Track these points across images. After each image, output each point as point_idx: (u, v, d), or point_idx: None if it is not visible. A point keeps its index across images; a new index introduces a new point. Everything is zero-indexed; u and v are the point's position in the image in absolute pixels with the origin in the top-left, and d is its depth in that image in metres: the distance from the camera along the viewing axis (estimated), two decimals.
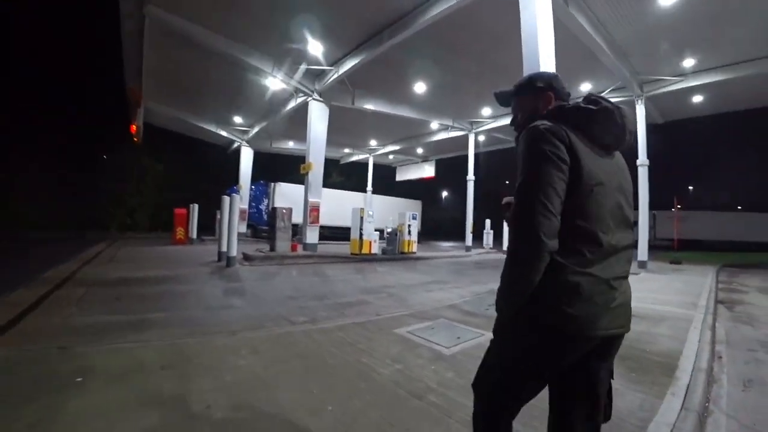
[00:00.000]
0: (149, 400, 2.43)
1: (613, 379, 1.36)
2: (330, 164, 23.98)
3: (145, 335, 3.77)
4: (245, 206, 22.10)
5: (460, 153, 23.99)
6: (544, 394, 1.36)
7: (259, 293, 6.45)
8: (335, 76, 12.64)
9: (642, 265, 12.51)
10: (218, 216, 11.46)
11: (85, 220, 26.22)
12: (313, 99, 13.64)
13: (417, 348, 3.70)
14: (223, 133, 21.49)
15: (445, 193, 52.88)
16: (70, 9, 29.66)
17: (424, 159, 27.85)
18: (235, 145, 23.30)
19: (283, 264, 10.59)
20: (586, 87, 13.88)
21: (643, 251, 12.72)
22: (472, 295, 6.92)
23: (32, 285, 5.66)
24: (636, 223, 14.02)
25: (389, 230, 15.28)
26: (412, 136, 22.88)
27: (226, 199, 9.71)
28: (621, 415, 2.48)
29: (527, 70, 6.58)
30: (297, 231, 14.58)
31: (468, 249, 19.21)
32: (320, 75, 13.42)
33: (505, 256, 1.24)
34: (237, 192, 20.17)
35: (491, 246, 21.60)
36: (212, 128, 20.76)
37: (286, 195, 20.93)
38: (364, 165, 28.67)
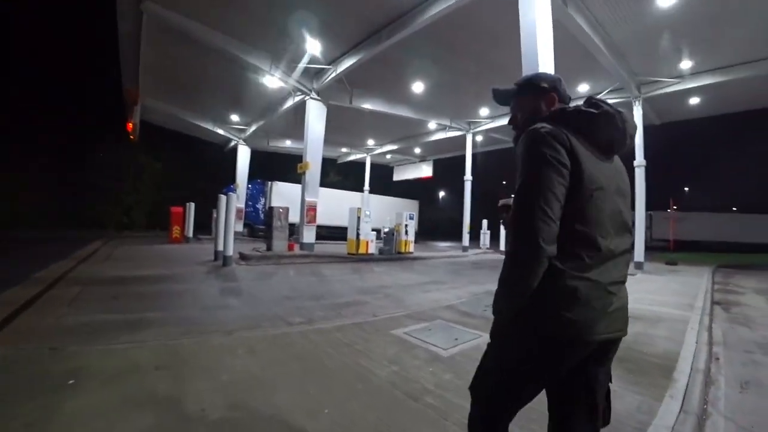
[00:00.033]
0: (143, 402, 2.40)
1: (611, 382, 1.36)
2: (327, 163, 23.93)
3: (140, 335, 3.73)
4: (242, 205, 22.01)
5: (457, 153, 24.01)
6: (542, 396, 1.35)
7: (255, 293, 6.42)
8: (333, 75, 12.60)
9: (638, 266, 12.54)
10: (215, 215, 11.41)
11: (82, 218, 26.06)
12: (311, 98, 13.59)
13: (414, 349, 3.67)
14: (220, 132, 21.37)
15: (442, 193, 52.84)
16: (66, 5, 29.41)
17: (422, 159, 27.83)
18: (232, 143, 23.20)
19: (279, 263, 10.55)
20: (583, 88, 13.89)
21: (639, 252, 12.75)
22: (470, 296, 6.91)
23: (27, 283, 5.59)
24: (633, 223, 13.94)
25: (386, 230, 15.25)
26: (410, 135, 22.85)
27: (223, 198, 9.67)
28: (620, 418, 2.47)
29: (526, 70, 6.57)
30: (294, 230, 14.52)
31: (465, 249, 19.21)
32: (318, 74, 13.38)
33: (501, 256, 1.24)
34: (234, 191, 20.15)
35: (488, 246, 21.61)
36: (209, 126, 20.65)
37: (283, 194, 20.85)
38: (361, 164, 28.59)
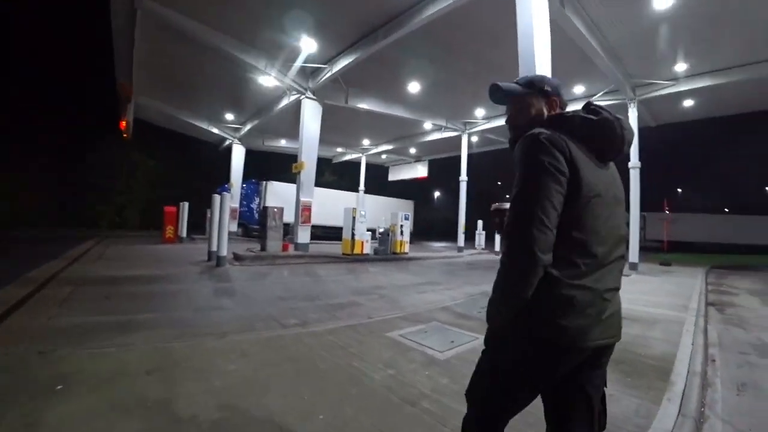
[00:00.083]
0: (133, 408, 2.34)
1: (606, 387, 1.35)
2: (322, 163, 23.81)
3: (131, 337, 3.66)
4: (236, 205, 21.89)
5: (453, 153, 24.02)
6: (539, 401, 1.35)
7: (249, 294, 6.35)
8: (329, 74, 12.54)
9: (633, 266, 12.59)
10: (209, 214, 11.31)
11: (80, 218, 25.84)
12: (307, 97, 13.52)
13: (410, 352, 3.63)
14: (215, 131, 21.24)
15: (437, 194, 52.94)
16: (64, 3, 29.09)
17: (417, 159, 27.83)
18: (227, 142, 23.09)
19: (274, 264, 10.47)
20: (579, 89, 13.94)
21: (634, 253, 12.81)
22: (465, 297, 6.87)
23: (18, 283, 5.50)
24: (627, 224, 14.00)
25: (381, 230, 15.22)
26: (406, 136, 22.83)
27: (217, 197, 9.57)
28: (618, 422, 2.46)
29: (523, 72, 6.56)
30: (288, 230, 14.44)
31: (460, 250, 19.22)
32: (314, 73, 13.31)
33: (497, 257, 1.22)
34: (228, 190, 20.02)
35: (483, 247, 21.64)
36: (204, 125, 20.52)
37: (278, 194, 20.75)
38: (356, 164, 28.55)
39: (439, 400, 2.62)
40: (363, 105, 15.42)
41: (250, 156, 23.66)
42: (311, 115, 13.64)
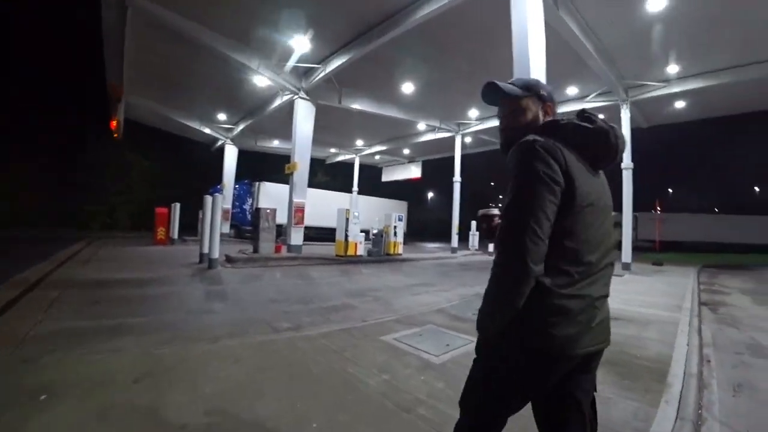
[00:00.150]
0: (120, 419, 2.26)
1: (596, 391, 1.37)
2: (315, 164, 23.76)
3: (119, 343, 3.57)
4: (228, 206, 21.71)
5: (446, 154, 24.03)
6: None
7: (241, 297, 6.27)
8: (322, 74, 12.45)
9: (625, 266, 12.66)
10: (201, 216, 11.19)
11: (64, 218, 25.52)
12: (300, 97, 13.41)
13: (405, 356, 3.58)
14: (207, 131, 21.02)
15: (431, 194, 52.99)
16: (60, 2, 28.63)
17: (411, 160, 27.81)
18: (219, 142, 22.88)
19: (266, 266, 10.37)
20: (572, 90, 14.00)
21: (626, 253, 12.87)
22: (460, 299, 6.84)
23: (4, 287, 5.40)
24: (616, 224, 14.14)
25: (375, 231, 15.15)
26: (399, 136, 22.80)
27: (209, 198, 9.47)
28: (616, 427, 2.45)
29: (518, 73, 6.55)
30: (281, 232, 14.34)
31: (454, 250, 19.21)
32: (307, 73, 13.21)
33: (490, 258, 1.19)
34: (220, 191, 19.84)
35: (477, 248, 21.66)
36: (196, 125, 20.30)
37: (271, 195, 20.62)
38: (350, 165, 28.47)
39: (435, 406, 2.57)
40: (356, 105, 15.34)
41: (243, 156, 23.45)
42: (304, 116, 13.54)
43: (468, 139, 21.27)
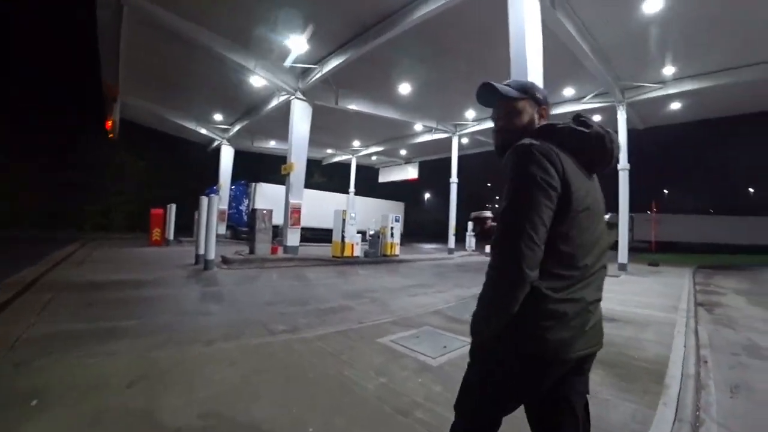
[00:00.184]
0: (113, 424, 2.23)
1: (588, 393, 1.36)
2: (312, 165, 23.63)
3: (113, 346, 3.52)
4: (225, 207, 21.62)
5: (443, 155, 24.01)
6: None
7: (237, 298, 6.22)
8: (319, 75, 12.41)
9: (622, 267, 12.69)
10: (197, 217, 11.13)
11: (58, 219, 25.33)
12: (296, 98, 13.37)
13: (402, 359, 3.55)
14: (203, 131, 20.93)
15: (427, 195, 53.03)
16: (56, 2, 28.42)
17: (408, 161, 27.82)
18: (216, 143, 22.78)
19: (263, 267, 10.32)
20: (569, 92, 14.04)
21: (623, 254, 12.92)
22: (457, 300, 6.83)
23: None
24: (613, 225, 14.26)
25: (372, 232, 15.12)
26: (396, 137, 22.80)
27: (204, 199, 9.42)
28: (614, 429, 2.44)
29: (515, 74, 6.56)
30: (277, 233, 14.28)
31: (451, 251, 19.23)
32: (304, 73, 13.17)
33: (487, 258, 1.19)
34: (216, 192, 19.75)
35: (474, 248, 21.69)
36: (192, 125, 20.20)
37: (267, 195, 20.57)
38: (346, 166, 28.44)
39: (432, 410, 2.55)
40: (353, 106, 15.31)
41: (239, 157, 23.39)
42: (301, 116, 13.50)
43: (465, 140, 21.30)
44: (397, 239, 15.10)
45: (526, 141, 1.19)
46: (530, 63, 6.53)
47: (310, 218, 17.96)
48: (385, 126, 19.51)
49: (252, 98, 16.07)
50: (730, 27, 9.23)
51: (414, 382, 3.02)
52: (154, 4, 9.38)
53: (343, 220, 13.10)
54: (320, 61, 12.24)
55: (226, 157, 22.41)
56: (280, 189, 15.84)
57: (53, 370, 2.90)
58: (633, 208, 14.02)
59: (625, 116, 13.26)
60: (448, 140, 20.18)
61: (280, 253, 12.26)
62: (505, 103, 1.38)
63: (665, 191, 49.15)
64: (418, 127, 19.93)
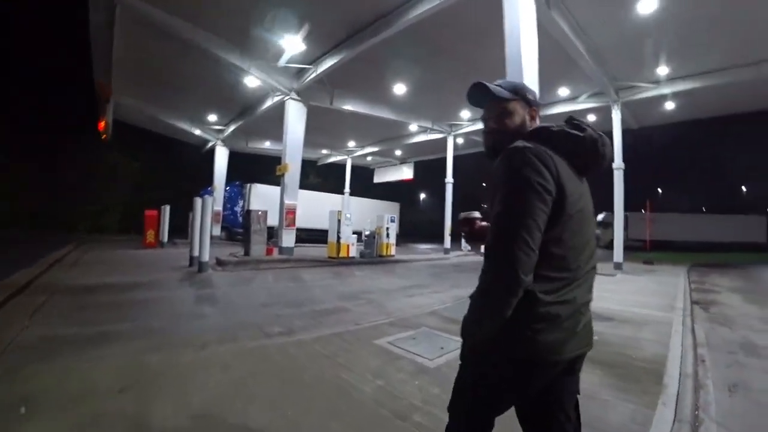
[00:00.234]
0: (102, 431, 2.16)
1: (579, 393, 1.36)
2: (307, 165, 23.60)
3: (105, 351, 3.46)
4: (219, 208, 21.49)
5: (438, 155, 24.01)
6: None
7: (232, 301, 6.16)
8: (314, 75, 12.35)
9: (617, 266, 12.73)
10: (191, 218, 11.03)
11: (51, 220, 25.06)
12: (291, 98, 13.30)
13: (399, 360, 3.52)
14: (198, 132, 20.79)
15: (423, 196, 53.06)
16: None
17: (403, 161, 27.78)
18: (210, 144, 22.65)
19: (258, 269, 10.25)
20: (564, 92, 14.07)
21: (618, 253, 12.96)
22: (453, 300, 6.80)
23: None
24: (608, 224, 14.25)
25: (367, 233, 15.08)
26: (391, 137, 22.76)
27: (198, 200, 9.33)
28: (614, 431, 2.41)
29: (510, 73, 6.54)
30: (273, 234, 14.21)
31: (446, 251, 19.22)
32: (298, 73, 13.11)
33: (482, 258, 1.17)
34: (211, 193, 19.62)
35: (469, 248, 21.68)
36: (186, 126, 20.07)
37: (262, 196, 20.45)
38: (341, 166, 28.38)
39: (430, 413, 2.51)
40: (348, 106, 15.26)
41: (234, 158, 23.25)
42: (295, 117, 13.44)
43: (460, 140, 21.30)
44: (392, 240, 15.07)
45: (520, 144, 1.17)
46: (525, 63, 6.51)
47: (305, 219, 17.92)
48: (381, 126, 19.46)
49: (246, 99, 15.98)
50: (725, 27, 9.30)
51: (411, 384, 2.99)
52: (147, 3, 9.27)
53: (339, 221, 13.05)
54: (315, 61, 12.18)
55: (221, 158, 22.28)
56: (275, 190, 15.75)
57: (43, 376, 2.84)
58: (627, 207, 14.07)
59: (619, 116, 13.31)
60: (444, 140, 20.18)
61: (275, 254, 12.18)
62: (497, 103, 1.36)
63: (659, 190, 49.49)
64: (414, 127, 19.90)
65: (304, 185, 15.72)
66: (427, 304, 6.47)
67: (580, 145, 1.23)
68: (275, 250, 12.43)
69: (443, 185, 20.21)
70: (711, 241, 29.82)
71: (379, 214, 15.72)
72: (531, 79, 6.57)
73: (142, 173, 28.94)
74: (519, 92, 1.37)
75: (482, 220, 1.62)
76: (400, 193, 35.61)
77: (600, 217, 33.30)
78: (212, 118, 19.62)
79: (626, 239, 15.54)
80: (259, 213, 11.85)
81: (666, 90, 12.44)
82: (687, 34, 9.69)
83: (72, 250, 12.48)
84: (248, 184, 21.60)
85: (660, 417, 2.60)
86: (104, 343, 3.65)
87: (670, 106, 14.41)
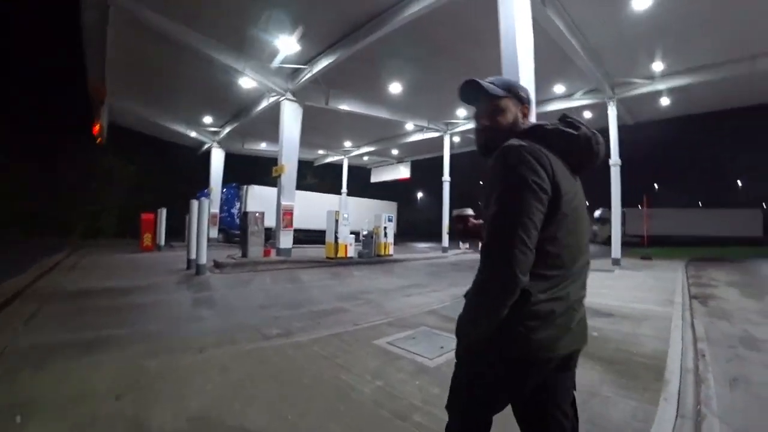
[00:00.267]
0: None
1: (575, 389, 1.36)
2: (303, 166, 23.48)
3: (102, 356, 3.41)
4: (216, 210, 21.42)
5: (435, 154, 23.98)
6: None
7: (229, 303, 6.13)
8: (309, 75, 12.31)
9: (615, 262, 12.75)
10: (188, 221, 10.98)
11: (47, 224, 24.89)
12: (286, 99, 13.25)
13: (398, 360, 3.49)
14: (193, 134, 20.72)
15: (420, 195, 53.05)
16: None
17: (400, 160, 27.77)
18: (206, 146, 22.57)
19: (256, 270, 10.20)
20: (559, 89, 14.08)
21: (616, 249, 12.98)
22: (452, 299, 6.77)
23: None
24: (605, 221, 14.24)
25: (365, 233, 15.05)
26: (388, 137, 22.73)
27: (195, 203, 9.28)
28: (616, 428, 2.40)
29: (506, 71, 6.52)
30: (270, 235, 14.16)
31: (445, 250, 19.21)
32: (293, 74, 13.06)
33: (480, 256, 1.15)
34: (207, 195, 19.54)
35: (468, 246, 21.69)
36: (182, 129, 19.99)
37: (259, 198, 20.40)
38: (338, 166, 28.34)
39: (430, 413, 2.49)
40: (344, 106, 15.22)
41: (230, 159, 23.20)
42: (291, 117, 13.39)
43: (456, 139, 21.30)
44: (390, 239, 15.06)
45: (515, 142, 1.17)
46: (521, 60, 6.49)
47: (302, 220, 17.87)
48: (377, 126, 19.44)
49: (242, 100, 15.92)
50: (719, 23, 9.31)
51: (411, 384, 2.97)
52: (140, 4, 9.21)
53: (336, 221, 13.03)
54: (310, 61, 12.13)
55: (217, 160, 22.21)
56: (271, 191, 15.72)
57: (39, 383, 2.80)
58: (624, 203, 14.10)
59: (615, 112, 13.35)
60: (440, 139, 20.17)
61: (273, 255, 12.14)
62: (490, 100, 1.35)
63: (656, 186, 49.67)
64: (410, 126, 19.88)
65: (301, 186, 15.67)
66: (425, 303, 6.45)
67: (574, 143, 1.23)
68: (273, 252, 12.38)
69: (440, 184, 20.21)
70: (707, 236, 29.97)
71: (377, 213, 15.70)
72: (527, 77, 6.56)
73: (138, 176, 28.78)
74: (511, 89, 1.35)
75: (475, 217, 1.61)
76: (397, 192, 35.59)
77: (597, 213, 33.44)
78: (208, 119, 19.55)
79: (623, 235, 15.55)
80: (257, 214, 11.81)
81: (661, 86, 12.46)
82: (681, 30, 9.70)
83: (68, 254, 12.43)
84: (245, 186, 21.55)
85: (662, 413, 2.59)
86: (100, 349, 3.61)
87: (665, 102, 14.44)
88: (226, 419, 2.37)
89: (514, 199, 1.10)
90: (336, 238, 13.02)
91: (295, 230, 13.79)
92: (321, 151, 26.88)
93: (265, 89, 13.48)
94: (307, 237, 20.70)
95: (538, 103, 10.76)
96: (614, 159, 13.11)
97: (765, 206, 34.20)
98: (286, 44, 10.76)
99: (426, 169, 29.56)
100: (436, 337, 4.23)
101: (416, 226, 41.83)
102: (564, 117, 1.31)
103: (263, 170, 19.91)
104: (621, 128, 14.44)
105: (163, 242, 15.46)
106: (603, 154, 1.30)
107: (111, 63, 12.03)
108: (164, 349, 3.65)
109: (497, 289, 1.09)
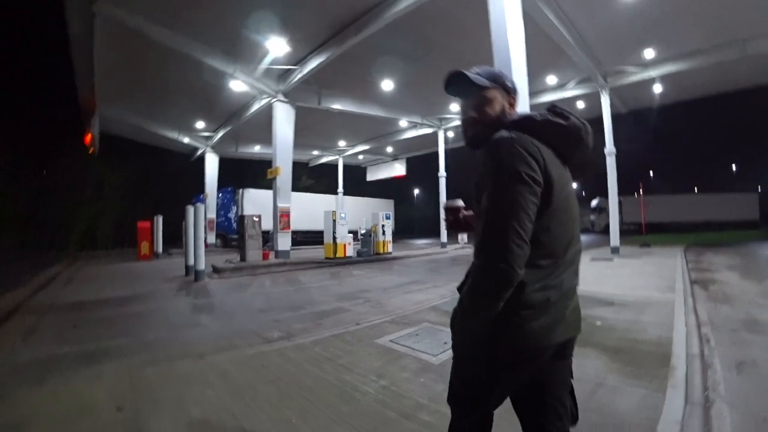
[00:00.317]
0: None
1: (572, 378, 1.36)
2: (298, 167, 23.46)
3: (100, 368, 3.35)
4: (213, 215, 21.32)
5: (430, 150, 23.94)
6: None
7: (229, 308, 6.08)
8: (300, 75, 12.24)
9: (614, 250, 12.76)
10: (185, 227, 10.91)
11: (42, 234, 24.70)
12: (278, 100, 13.18)
13: (402, 359, 3.45)
14: (186, 140, 20.58)
15: (416, 191, 53.02)
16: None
17: (395, 158, 27.74)
18: (200, 151, 22.44)
19: (254, 274, 10.15)
20: (552, 80, 14.06)
21: (615, 237, 12.99)
22: (452, 295, 6.70)
23: None
24: (602, 210, 14.25)
25: (363, 231, 15.03)
26: (382, 135, 22.69)
27: (190, 209, 9.22)
28: (626, 417, 2.37)
29: (498, 63, 6.47)
30: (268, 238, 14.10)
31: (444, 245, 19.21)
32: (284, 75, 12.98)
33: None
34: (203, 201, 19.46)
35: (466, 241, 21.69)
36: (174, 135, 19.84)
37: (255, 201, 20.32)
38: (333, 166, 28.27)
39: (437, 410, 2.45)
40: (337, 105, 15.16)
41: (225, 164, 23.04)
42: (284, 119, 13.31)
43: (451, 134, 21.23)
44: (389, 237, 15.05)
45: (505, 134, 1.15)
46: (513, 52, 6.44)
47: (300, 221, 17.81)
48: (370, 123, 19.40)
49: (233, 103, 15.81)
50: (708, 7, 9.31)
51: (416, 382, 2.93)
52: (126, 10, 9.08)
53: (334, 221, 13.00)
54: (300, 61, 12.05)
55: (211, 164, 22.07)
56: (267, 194, 15.63)
57: (35, 400, 2.73)
58: (620, 191, 14.12)
59: (608, 101, 13.34)
60: (434, 135, 20.16)
61: (271, 258, 12.09)
62: (476, 92, 1.30)
63: (651, 173, 49.89)
64: (404, 123, 19.85)
65: (296, 187, 15.65)
66: (426, 299, 6.42)
67: (563, 133, 1.21)
68: (271, 254, 12.34)
69: (436, 180, 20.19)
70: (705, 221, 30.07)
71: (374, 211, 15.69)
72: (519, 69, 6.52)
73: (132, 184, 28.63)
74: (498, 80, 1.32)
75: (466, 209, 1.59)
76: (393, 189, 35.57)
77: (594, 202, 33.53)
78: (200, 125, 19.41)
79: (621, 223, 15.59)
80: (254, 218, 11.76)
81: (653, 73, 12.47)
82: (671, 16, 9.70)
83: (65, 266, 12.33)
84: (240, 190, 21.48)
85: (671, 400, 2.56)
86: (99, 361, 3.54)
87: (657, 89, 14.41)
88: (229, 424, 2.33)
89: (508, 193, 1.08)
90: (334, 238, 12.99)
91: (294, 232, 13.76)
92: (315, 152, 26.79)
93: (256, 92, 13.39)
94: (306, 238, 20.67)
95: (531, 95, 10.70)
96: (609, 148, 13.11)
97: (760, 189, 34.25)
98: (276, 45, 10.68)
99: (421, 165, 29.56)
100: (438, 334, 4.19)
101: (414, 222, 41.88)
102: (553, 107, 1.27)
103: (258, 173, 19.85)
104: (615, 117, 14.45)
105: (160, 250, 15.36)
106: (592, 144, 1.28)
107: (100, 73, 11.88)
108: (163, 357, 3.60)
109: (494, 283, 1.07)
